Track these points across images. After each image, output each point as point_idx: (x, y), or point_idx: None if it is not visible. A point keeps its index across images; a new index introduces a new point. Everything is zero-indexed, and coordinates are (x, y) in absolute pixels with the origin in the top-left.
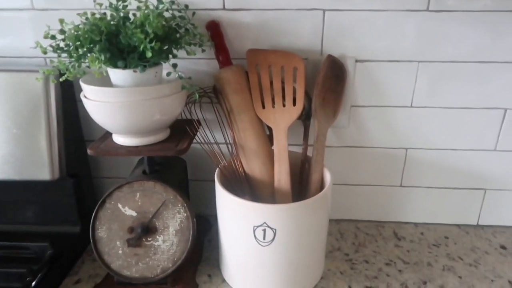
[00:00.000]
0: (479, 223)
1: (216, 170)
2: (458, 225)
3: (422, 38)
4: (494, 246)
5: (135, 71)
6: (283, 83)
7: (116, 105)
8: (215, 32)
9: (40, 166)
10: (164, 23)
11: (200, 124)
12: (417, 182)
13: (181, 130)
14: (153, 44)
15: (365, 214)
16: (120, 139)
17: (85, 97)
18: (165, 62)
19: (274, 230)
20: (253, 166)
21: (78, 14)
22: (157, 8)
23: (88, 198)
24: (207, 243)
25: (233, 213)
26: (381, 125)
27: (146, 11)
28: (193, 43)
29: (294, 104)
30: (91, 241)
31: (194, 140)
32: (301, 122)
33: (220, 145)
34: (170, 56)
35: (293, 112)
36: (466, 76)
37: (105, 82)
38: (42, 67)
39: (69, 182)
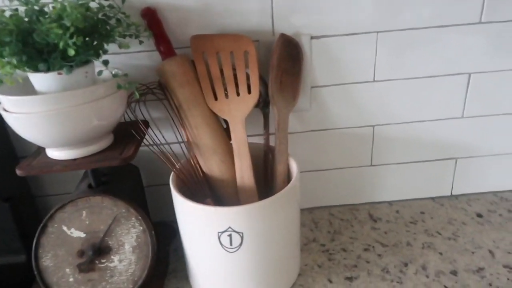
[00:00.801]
0: (453, 193)
1: (171, 175)
2: (432, 198)
3: (379, 6)
4: (470, 215)
5: (60, 74)
6: (234, 70)
7: (42, 116)
8: (152, 20)
9: None
10: (87, 13)
11: (148, 125)
12: (387, 159)
13: (127, 134)
14: (74, 39)
15: (338, 198)
16: (54, 153)
17: (4, 110)
18: (96, 60)
19: (241, 234)
20: (211, 164)
21: None
22: None
23: (31, 221)
24: (173, 252)
25: (195, 220)
26: (345, 104)
27: (63, 2)
28: (128, 35)
29: (249, 92)
30: (36, 272)
31: (143, 144)
32: (259, 111)
33: (173, 146)
34: (101, 52)
35: (249, 100)
36: (427, 43)
37: (29, 90)
38: None
39: (3, 207)
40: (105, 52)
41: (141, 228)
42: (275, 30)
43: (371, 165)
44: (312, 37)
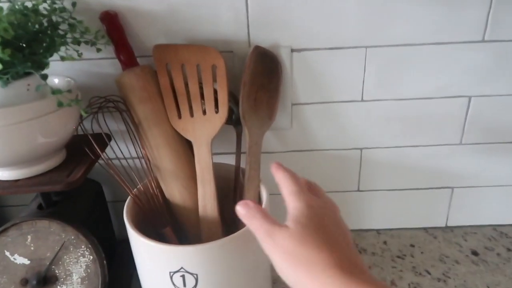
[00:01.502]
0: (448, 225)
1: (127, 200)
2: (425, 229)
3: (369, 18)
4: (465, 252)
5: None
6: (201, 84)
7: None
8: (112, 26)
9: None
10: (20, 20)
11: (110, 138)
12: (376, 185)
13: (83, 149)
14: None
15: None
16: None
17: None
18: (38, 72)
19: (195, 276)
20: (172, 190)
21: None
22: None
23: None
24: (136, 277)
25: (146, 256)
26: (330, 124)
27: None
28: (84, 42)
29: (218, 110)
30: None
31: (100, 161)
32: (233, 127)
33: (136, 162)
34: (47, 61)
35: (216, 120)
36: (423, 61)
37: None
38: None
39: None
40: (46, 64)
41: (91, 257)
42: (252, 40)
43: (358, 190)
44: (292, 50)
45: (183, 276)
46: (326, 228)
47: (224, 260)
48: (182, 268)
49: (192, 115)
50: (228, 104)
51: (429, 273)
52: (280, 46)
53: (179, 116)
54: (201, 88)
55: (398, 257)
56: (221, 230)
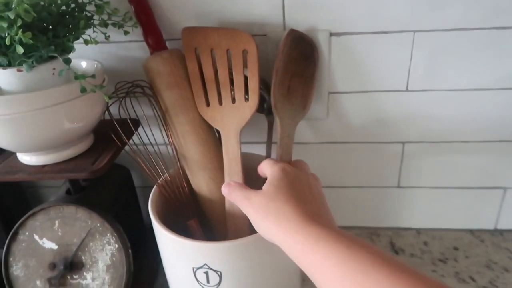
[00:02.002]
0: (497, 227)
1: (153, 190)
2: (471, 231)
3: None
4: None
5: (19, 70)
6: (231, 70)
7: (2, 120)
8: (140, 7)
9: None
10: (44, 1)
11: (138, 124)
12: (418, 181)
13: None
14: (19, 35)
15: (356, 219)
16: (24, 157)
17: None
18: (62, 56)
19: (218, 273)
20: (199, 181)
21: None
22: None
23: (22, 215)
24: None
25: (171, 250)
26: (370, 115)
27: None
28: (111, 24)
29: (248, 98)
30: (5, 281)
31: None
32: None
33: (165, 148)
34: (69, 45)
35: (246, 110)
36: (477, 48)
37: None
38: None
39: None
40: (71, 47)
41: (117, 246)
42: (287, 23)
43: (398, 186)
44: (331, 34)
45: (206, 273)
46: (296, 187)
47: (249, 258)
48: (205, 264)
49: (221, 103)
50: (259, 92)
51: (474, 280)
52: (317, 29)
53: (207, 104)
54: (231, 74)
55: (440, 260)
56: (247, 225)
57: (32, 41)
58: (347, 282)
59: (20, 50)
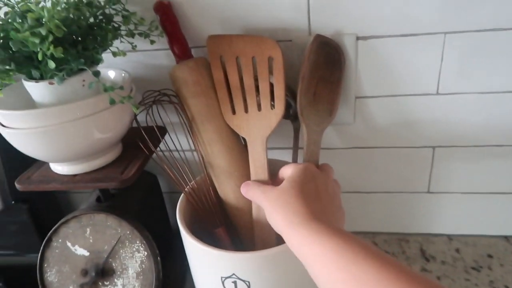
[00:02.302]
0: None
1: (180, 198)
2: (506, 237)
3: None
4: None
5: (51, 83)
6: (256, 77)
7: (35, 132)
8: (166, 16)
9: None
10: (74, 15)
11: (165, 131)
12: (449, 187)
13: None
14: (51, 50)
15: (384, 225)
16: (56, 167)
17: (1, 124)
18: (91, 69)
19: (247, 283)
20: (225, 188)
21: None
22: None
23: (54, 221)
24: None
25: (199, 259)
26: (398, 119)
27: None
28: (138, 34)
29: (274, 106)
30: (40, 286)
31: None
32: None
33: (189, 160)
34: (97, 58)
35: (272, 117)
36: (510, 49)
37: (29, 101)
38: None
39: (22, 209)
40: (99, 60)
41: (146, 253)
42: (312, 28)
43: (428, 192)
44: (358, 38)
45: (234, 283)
46: (309, 185)
47: (277, 268)
48: (234, 274)
49: (246, 110)
50: (285, 99)
51: None
52: (344, 33)
53: (233, 112)
54: (256, 81)
55: (473, 268)
56: (275, 234)
57: (63, 55)
58: (340, 273)
59: (51, 65)
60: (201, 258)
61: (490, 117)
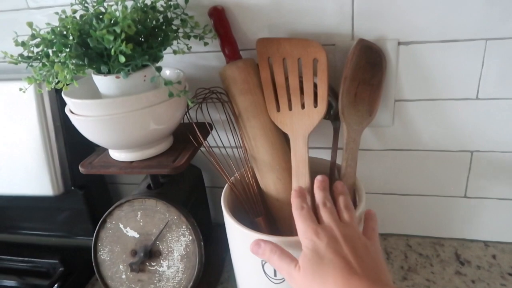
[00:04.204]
0: None
1: (225, 188)
2: None
3: (490, 6)
4: None
5: (117, 77)
6: (301, 78)
7: (100, 120)
8: (219, 21)
9: (43, 181)
10: (141, 17)
11: (211, 127)
12: (487, 192)
13: (188, 136)
14: (122, 46)
15: (419, 228)
16: (114, 154)
17: (70, 111)
18: (153, 65)
19: None
20: (267, 181)
21: (56, 12)
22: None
23: (104, 207)
24: (229, 260)
25: (241, 243)
26: (436, 123)
27: (116, 6)
28: (193, 36)
29: (317, 104)
30: (94, 263)
31: (202, 149)
32: (330, 122)
33: (234, 151)
34: (161, 54)
35: (314, 115)
36: None
37: (97, 91)
38: (26, 75)
39: (78, 194)
40: (161, 57)
41: (191, 238)
42: (355, 33)
43: (465, 196)
44: (399, 43)
45: None
46: (333, 261)
47: None
48: None
49: (290, 108)
50: (327, 99)
51: None
52: (386, 39)
53: (278, 109)
54: (301, 82)
55: (510, 274)
56: None
57: (131, 52)
58: None
59: (122, 59)
60: (243, 241)
61: None
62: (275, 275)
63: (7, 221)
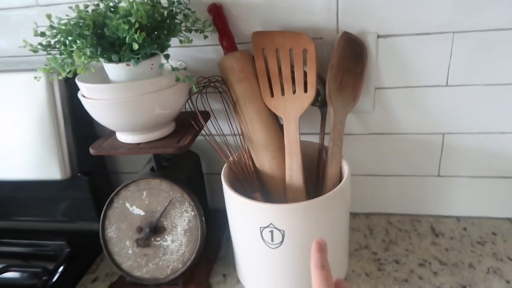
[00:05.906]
0: None
1: (224, 166)
2: (510, 219)
3: (457, 3)
4: None
5: (128, 65)
6: (292, 67)
7: (111, 103)
8: (217, 16)
9: (51, 166)
10: (150, 10)
11: (208, 116)
12: (457, 171)
13: (188, 123)
14: (137, 35)
15: (398, 207)
16: (122, 137)
17: (83, 96)
18: (161, 53)
19: (282, 232)
20: (262, 160)
21: (70, 7)
22: None
23: (106, 194)
24: (226, 239)
25: (240, 213)
26: (412, 108)
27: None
28: (194, 30)
29: (306, 90)
30: (102, 241)
31: (201, 134)
32: (318, 109)
33: (229, 138)
34: (166, 46)
35: (304, 99)
36: None
37: (105, 78)
38: (40, 66)
39: (83, 180)
40: (168, 46)
41: (193, 213)
42: (340, 27)
43: (438, 175)
44: (378, 36)
45: (271, 232)
46: None
47: (308, 219)
48: (271, 224)
49: (283, 94)
50: (316, 85)
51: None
52: (367, 32)
53: (272, 95)
54: (292, 71)
55: (478, 243)
56: (305, 197)
57: (142, 41)
58: None
59: (135, 46)
60: (243, 210)
61: (495, 106)
62: (272, 240)
63: (15, 208)
